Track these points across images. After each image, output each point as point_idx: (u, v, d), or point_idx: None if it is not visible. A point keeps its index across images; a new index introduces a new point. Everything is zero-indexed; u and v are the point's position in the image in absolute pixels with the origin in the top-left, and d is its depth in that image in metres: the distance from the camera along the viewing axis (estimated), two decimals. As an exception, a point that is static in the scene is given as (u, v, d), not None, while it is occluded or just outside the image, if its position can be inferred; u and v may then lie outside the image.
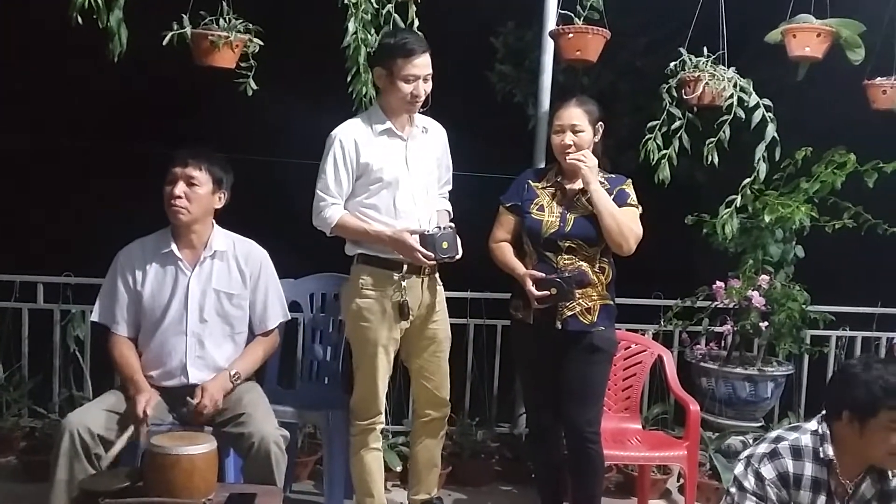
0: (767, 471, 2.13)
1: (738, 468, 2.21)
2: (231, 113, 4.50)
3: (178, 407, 2.75)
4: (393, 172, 2.87)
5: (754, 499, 2.14)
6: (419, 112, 2.94)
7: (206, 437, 2.38)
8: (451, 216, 3.10)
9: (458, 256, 2.87)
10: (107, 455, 2.48)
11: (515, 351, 3.16)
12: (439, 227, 2.85)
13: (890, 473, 2.15)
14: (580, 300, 2.84)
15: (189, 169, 2.67)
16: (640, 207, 2.93)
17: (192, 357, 2.74)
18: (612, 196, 2.86)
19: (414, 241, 2.80)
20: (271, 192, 6.20)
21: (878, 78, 3.43)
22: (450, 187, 3.15)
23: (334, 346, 3.39)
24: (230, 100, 3.10)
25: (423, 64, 2.79)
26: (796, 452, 2.15)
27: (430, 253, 2.79)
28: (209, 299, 2.75)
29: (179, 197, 2.65)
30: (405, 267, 2.87)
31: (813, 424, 2.21)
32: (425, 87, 2.82)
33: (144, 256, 2.75)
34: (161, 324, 2.73)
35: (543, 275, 2.84)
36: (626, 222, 2.82)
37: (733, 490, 2.20)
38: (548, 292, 2.80)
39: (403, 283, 2.88)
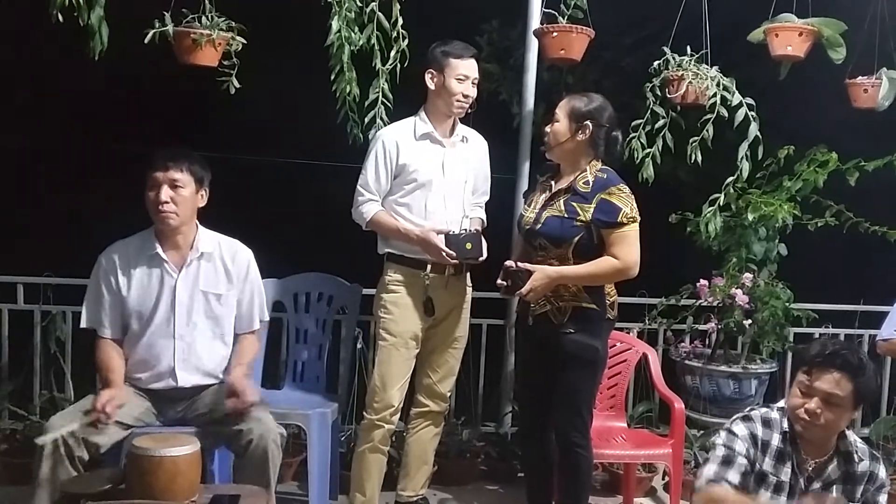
0: (739, 429, 2.23)
1: (713, 437, 2.30)
2: (215, 111, 4.48)
3: (165, 410, 2.73)
4: (427, 175, 3.00)
5: (723, 448, 2.21)
6: (468, 112, 3.05)
7: (189, 438, 2.35)
8: (485, 224, 3.19)
9: (483, 258, 2.99)
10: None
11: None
12: (465, 230, 2.98)
13: (856, 457, 2.21)
14: (550, 299, 2.79)
15: (171, 172, 2.63)
16: (635, 215, 2.71)
17: (180, 360, 2.72)
18: (594, 207, 2.70)
19: (440, 240, 2.91)
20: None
21: (860, 77, 3.46)
22: (486, 197, 3.24)
23: (319, 347, 3.38)
24: (215, 98, 3.08)
25: (472, 67, 2.97)
26: (766, 422, 2.25)
27: (453, 252, 2.91)
28: (197, 301, 2.73)
29: (167, 202, 2.62)
30: (429, 266, 2.98)
31: (782, 402, 2.30)
32: (473, 91, 2.98)
33: (129, 259, 2.71)
34: (148, 327, 2.71)
35: (507, 264, 2.81)
36: (603, 271, 2.72)
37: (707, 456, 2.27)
38: (503, 282, 2.81)
39: (427, 282, 2.99)
